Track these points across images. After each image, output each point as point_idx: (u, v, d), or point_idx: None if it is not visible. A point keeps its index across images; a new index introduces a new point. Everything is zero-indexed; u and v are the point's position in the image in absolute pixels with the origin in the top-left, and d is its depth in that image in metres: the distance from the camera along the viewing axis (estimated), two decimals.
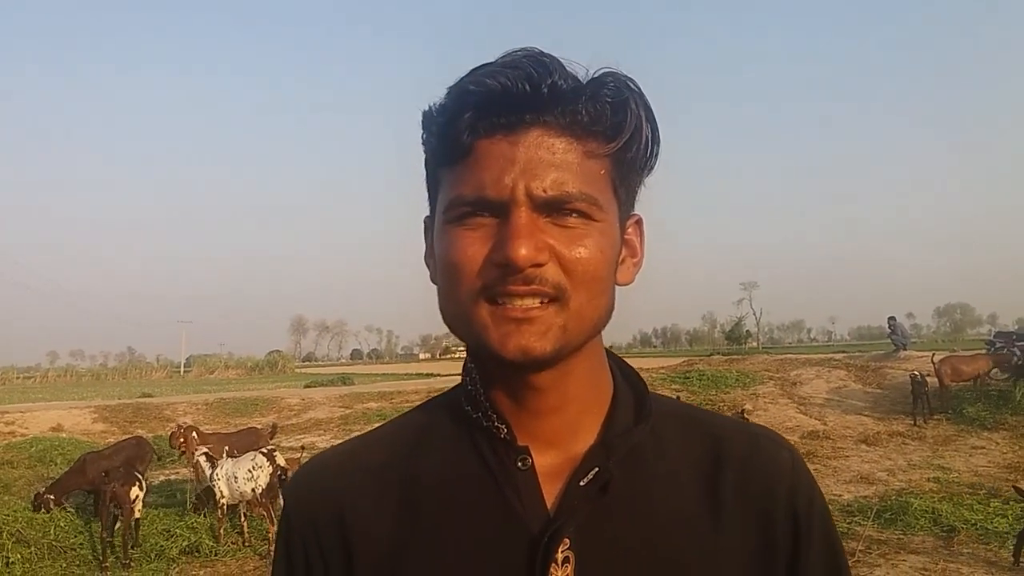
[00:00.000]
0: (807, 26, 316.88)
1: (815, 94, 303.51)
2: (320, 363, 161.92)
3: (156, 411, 21.66)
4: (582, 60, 0.77)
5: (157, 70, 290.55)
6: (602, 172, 0.77)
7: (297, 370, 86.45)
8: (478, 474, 0.80)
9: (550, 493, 0.78)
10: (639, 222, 0.87)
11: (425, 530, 0.79)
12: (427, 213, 0.86)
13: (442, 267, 0.78)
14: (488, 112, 0.74)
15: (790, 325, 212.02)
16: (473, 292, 0.75)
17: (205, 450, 9.49)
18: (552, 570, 0.74)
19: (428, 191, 0.84)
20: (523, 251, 0.71)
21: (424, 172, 0.84)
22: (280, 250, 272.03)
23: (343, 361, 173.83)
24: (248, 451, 10.53)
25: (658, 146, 0.80)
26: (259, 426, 14.06)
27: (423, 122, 0.80)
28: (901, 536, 7.87)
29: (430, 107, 0.79)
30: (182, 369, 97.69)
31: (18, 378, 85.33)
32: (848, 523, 8.31)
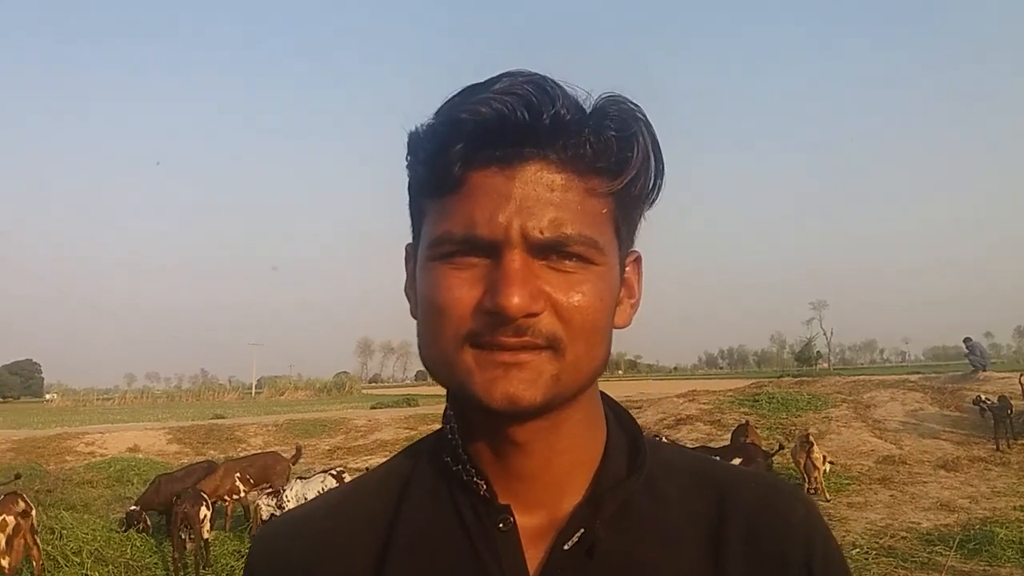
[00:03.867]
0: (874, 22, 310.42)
1: (890, 112, 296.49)
2: (386, 384, 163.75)
3: (228, 432, 22.19)
4: (585, 79, 0.70)
5: (241, 81, 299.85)
6: (604, 211, 0.70)
7: (363, 391, 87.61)
8: (455, 534, 0.72)
9: (533, 557, 0.71)
10: (638, 260, 0.79)
11: None
12: (408, 240, 0.79)
13: (424, 307, 0.71)
14: (483, 143, 0.66)
15: (862, 345, 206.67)
16: (458, 337, 0.67)
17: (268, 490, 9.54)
18: None
19: (411, 219, 0.76)
20: (516, 300, 0.64)
21: (407, 196, 0.76)
22: (347, 271, 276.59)
23: (408, 382, 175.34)
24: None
25: (662, 179, 0.73)
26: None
27: (409, 145, 0.72)
28: (987, 568, 7.51)
29: (417, 129, 0.71)
30: (253, 391, 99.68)
31: (97, 400, 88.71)
32: (928, 553, 7.99)
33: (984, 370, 19.52)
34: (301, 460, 17.83)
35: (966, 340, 20.50)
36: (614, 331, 0.74)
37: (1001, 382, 17.45)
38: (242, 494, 10.17)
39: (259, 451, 14.07)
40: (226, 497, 9.89)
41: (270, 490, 9.39)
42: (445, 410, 0.79)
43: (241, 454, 15.44)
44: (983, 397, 13.90)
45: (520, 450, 0.72)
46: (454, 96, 0.69)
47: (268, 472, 10.72)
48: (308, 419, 24.79)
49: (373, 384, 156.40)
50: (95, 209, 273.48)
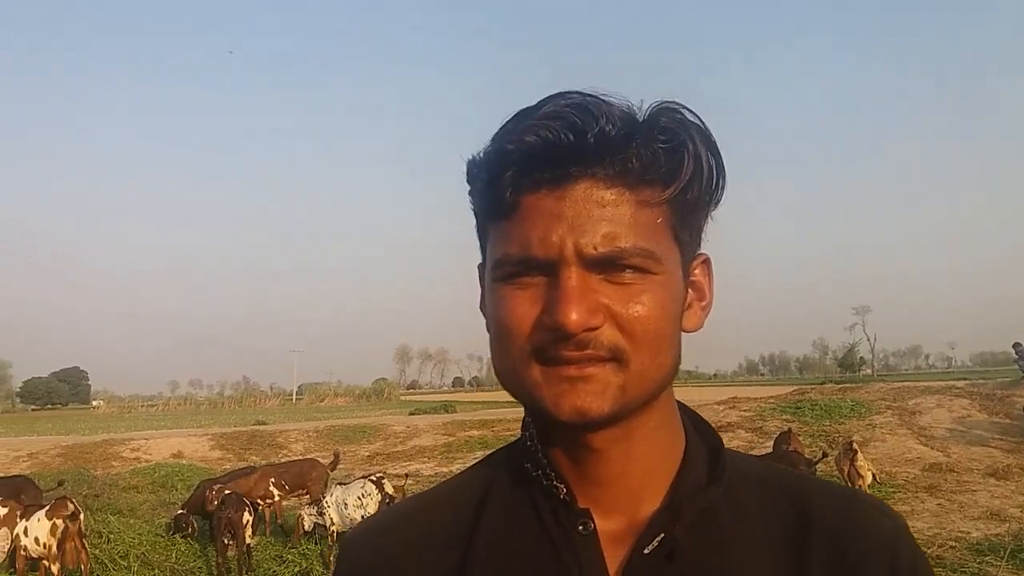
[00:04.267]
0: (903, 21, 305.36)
1: (932, 110, 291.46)
2: (423, 390, 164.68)
3: (270, 438, 22.46)
4: (639, 90, 0.72)
5: (283, 85, 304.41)
6: (659, 220, 0.71)
7: (402, 398, 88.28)
8: (537, 538, 0.74)
9: (613, 560, 0.72)
10: (706, 262, 0.80)
11: None
12: (480, 260, 0.81)
13: (493, 325, 0.74)
14: (531, 169, 0.69)
15: (907, 351, 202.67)
16: (524, 353, 0.70)
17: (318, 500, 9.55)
18: None
19: (479, 239, 0.79)
20: (574, 316, 0.66)
21: (475, 220, 0.79)
22: (385, 278, 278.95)
23: (445, 389, 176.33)
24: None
25: (723, 179, 0.74)
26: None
27: (467, 175, 0.75)
28: None
29: (474, 157, 0.74)
30: (294, 397, 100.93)
31: (142, 406, 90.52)
32: (978, 563, 7.80)
33: None
34: (341, 466, 18.05)
35: (1015, 345, 20.10)
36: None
37: None
38: (276, 499, 10.24)
39: (299, 457, 14.20)
40: (259, 501, 10.00)
41: (310, 500, 9.49)
42: (524, 418, 0.81)
43: (282, 460, 15.62)
44: None
45: (597, 456, 0.74)
46: (506, 123, 0.72)
47: (304, 478, 10.84)
48: (348, 425, 24.98)
49: (411, 390, 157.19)
50: (141, 221, 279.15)
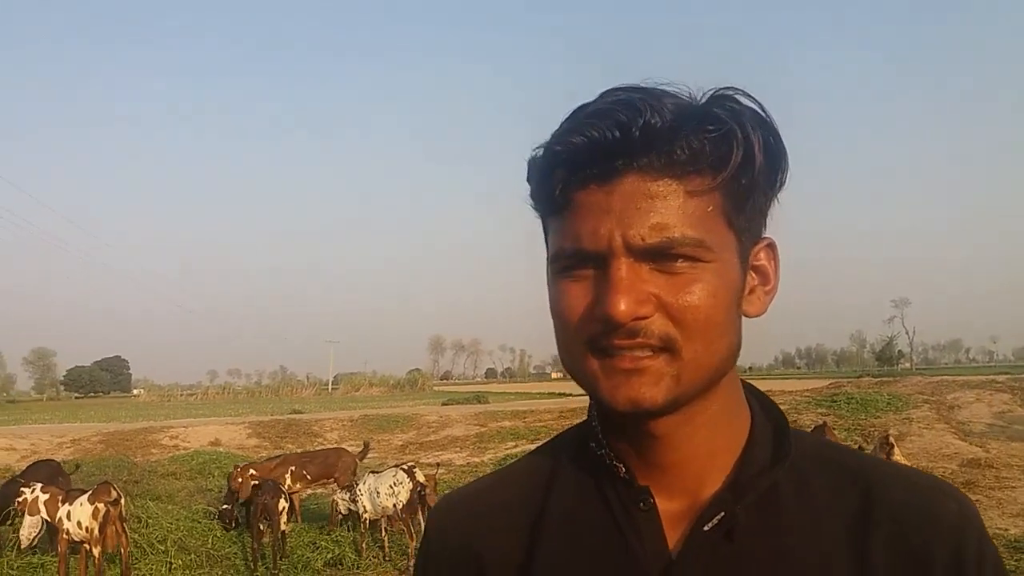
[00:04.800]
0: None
1: (972, 99, 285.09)
2: (456, 381, 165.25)
3: (305, 427, 22.76)
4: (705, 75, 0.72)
5: (322, 76, 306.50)
6: (710, 209, 0.71)
7: (435, 388, 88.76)
8: (601, 514, 0.78)
9: (673, 537, 0.74)
10: (771, 246, 0.79)
11: (548, 567, 0.78)
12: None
13: (553, 316, 0.76)
14: (578, 166, 0.71)
15: (947, 345, 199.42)
16: (581, 343, 0.73)
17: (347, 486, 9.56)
18: None
19: (544, 236, 0.82)
20: (622, 306, 0.68)
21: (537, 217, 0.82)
22: (420, 269, 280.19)
23: (478, 379, 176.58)
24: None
25: (784, 161, 0.74)
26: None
27: (527, 173, 0.78)
28: None
29: (531, 158, 0.77)
30: (330, 386, 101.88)
31: (181, 395, 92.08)
32: (1016, 561, 7.68)
33: None
34: (374, 454, 18.21)
35: None
36: (751, 319, 0.77)
37: None
38: (296, 489, 10.08)
39: (333, 446, 14.26)
40: None
41: (338, 487, 9.55)
42: (590, 401, 0.83)
43: (317, 448, 15.78)
44: None
45: (658, 442, 0.76)
46: (562, 122, 0.74)
47: (330, 468, 10.79)
48: (382, 415, 25.22)
49: (444, 381, 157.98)
50: (184, 213, 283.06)
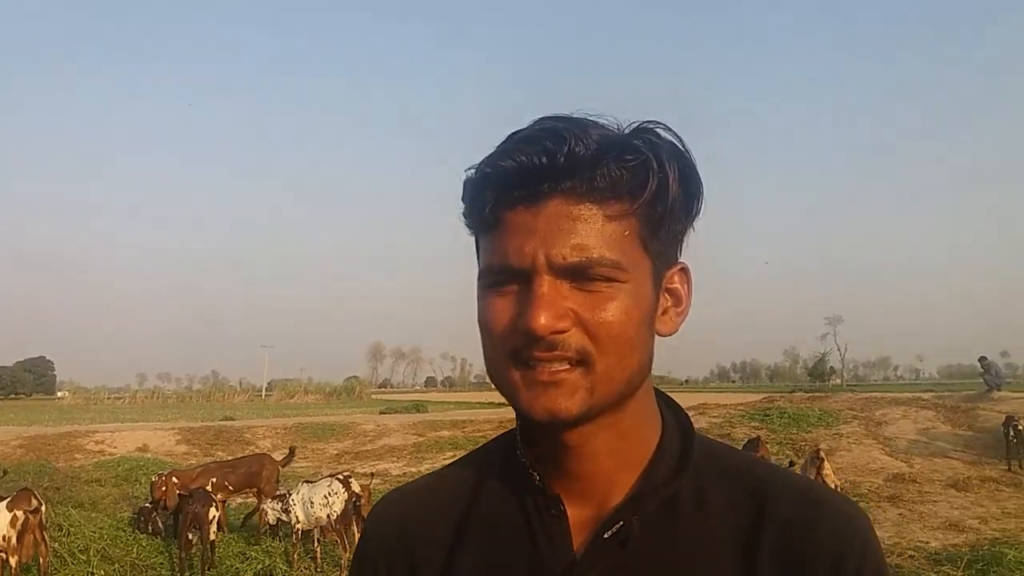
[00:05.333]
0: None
1: (904, 121, 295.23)
2: (395, 389, 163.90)
3: (237, 434, 22.27)
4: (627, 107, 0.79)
5: (236, 76, 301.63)
6: (626, 233, 0.77)
7: (373, 396, 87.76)
8: (519, 516, 0.85)
9: (578, 542, 0.81)
10: (684, 270, 0.86)
11: (467, 563, 0.85)
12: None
13: (480, 328, 0.81)
14: (507, 188, 0.77)
15: (876, 362, 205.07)
16: (504, 355, 0.78)
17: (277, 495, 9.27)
18: None
19: (476, 251, 0.87)
20: (542, 320, 0.73)
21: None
22: (360, 275, 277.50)
23: (417, 388, 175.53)
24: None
25: (698, 192, 0.81)
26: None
27: (462, 193, 0.83)
28: None
29: (467, 177, 0.82)
30: (263, 393, 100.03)
31: (108, 398, 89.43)
32: (936, 572, 7.92)
33: (999, 389, 19.39)
34: (306, 463, 17.94)
35: (981, 359, 20.39)
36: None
37: (1016, 402, 17.31)
38: (218, 499, 9.43)
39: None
40: None
41: (262, 497, 9.28)
42: None
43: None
44: (1016, 420, 13.74)
45: (571, 452, 0.82)
46: (498, 145, 0.79)
47: (253, 477, 10.39)
48: (317, 423, 24.84)
49: (383, 389, 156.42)
50: (115, 213, 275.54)
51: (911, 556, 8.61)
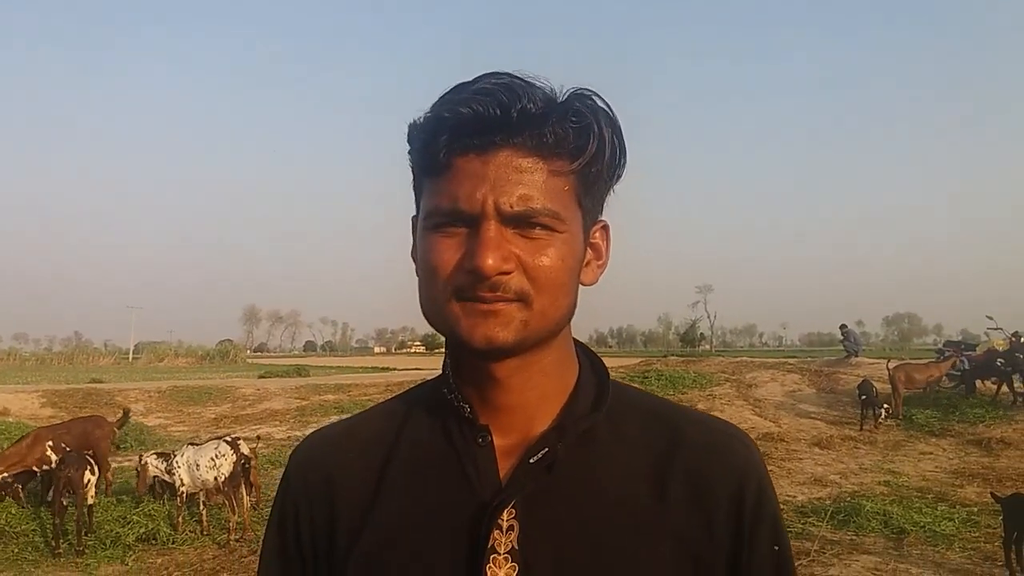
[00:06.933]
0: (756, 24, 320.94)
1: (774, 101, 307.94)
2: (273, 354, 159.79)
3: (107, 397, 21.21)
4: (561, 75, 0.86)
5: (122, 46, 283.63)
6: (566, 188, 0.84)
7: (249, 360, 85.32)
8: (444, 447, 0.90)
9: (504, 468, 0.87)
10: (605, 228, 0.94)
11: (393, 492, 0.89)
12: (413, 213, 0.93)
13: (422, 268, 0.87)
14: (462, 135, 0.81)
15: (743, 329, 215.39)
16: (447, 292, 0.83)
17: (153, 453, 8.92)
18: (496, 535, 0.83)
19: (414, 194, 0.92)
20: (490, 261, 0.79)
21: (411, 176, 0.91)
22: (234, 237, 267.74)
23: (296, 352, 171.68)
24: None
25: (624, 158, 0.88)
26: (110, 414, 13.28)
27: (408, 136, 0.88)
28: (854, 537, 8.03)
29: (414, 122, 0.86)
30: (131, 356, 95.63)
31: None
32: (803, 524, 8.46)
33: (856, 355, 20.71)
34: (184, 428, 17.34)
35: (842, 327, 21.63)
36: (584, 289, 0.91)
37: (871, 367, 18.57)
38: (53, 464, 8.80)
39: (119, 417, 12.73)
40: (35, 468, 9.05)
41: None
42: (444, 356, 0.96)
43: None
44: (873, 386, 14.84)
45: (499, 384, 0.89)
46: (445, 94, 0.84)
47: (88, 438, 9.81)
48: (193, 386, 24.02)
49: (259, 353, 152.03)
50: None
51: (780, 509, 9.10)
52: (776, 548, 0.88)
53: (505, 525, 0.83)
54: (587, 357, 0.98)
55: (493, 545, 0.83)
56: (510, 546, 0.83)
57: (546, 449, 0.85)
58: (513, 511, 0.84)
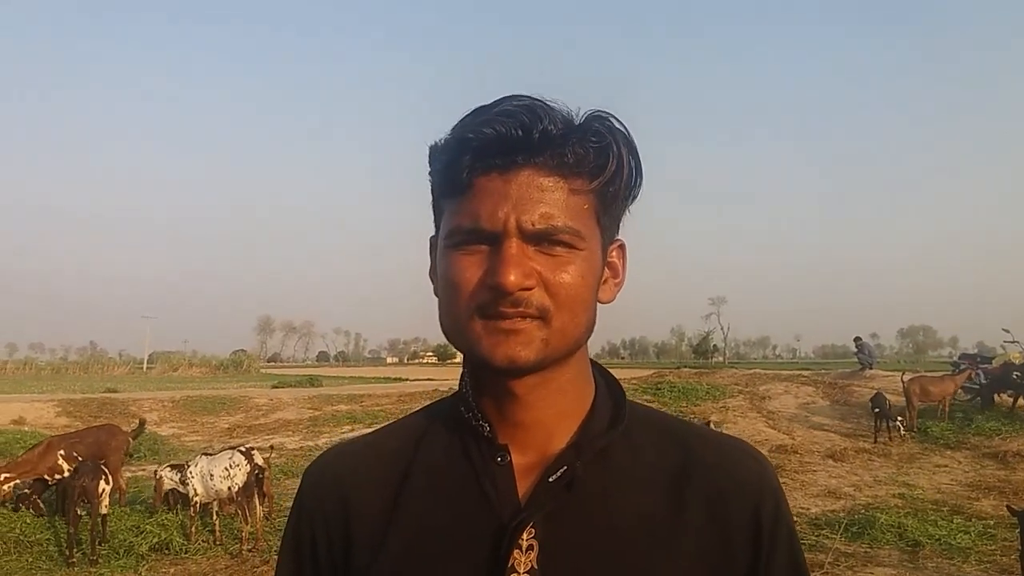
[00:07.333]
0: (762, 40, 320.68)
1: (790, 117, 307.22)
2: (286, 364, 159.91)
3: (122, 407, 21.30)
4: (579, 98, 0.89)
5: (131, 63, 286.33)
6: (586, 207, 0.86)
7: (262, 370, 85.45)
8: (463, 466, 0.90)
9: (523, 486, 0.87)
10: (622, 247, 0.96)
11: (411, 512, 0.89)
12: (432, 233, 0.95)
13: (443, 286, 0.88)
14: (485, 155, 0.83)
15: (756, 341, 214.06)
16: (469, 310, 0.84)
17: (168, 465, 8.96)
18: (516, 555, 0.83)
19: (434, 214, 0.93)
20: (512, 277, 0.80)
21: (431, 197, 0.93)
22: (249, 248, 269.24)
23: (309, 363, 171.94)
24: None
25: (640, 178, 0.90)
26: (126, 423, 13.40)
27: (429, 157, 0.89)
28: (868, 549, 7.98)
29: (435, 143, 0.88)
30: (145, 365, 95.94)
31: None
32: (816, 536, 8.42)
33: (871, 368, 20.58)
34: (198, 437, 17.39)
35: (856, 339, 21.52)
36: (601, 306, 0.92)
37: (885, 380, 18.48)
38: (65, 473, 8.89)
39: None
40: (46, 476, 9.08)
41: (174, 463, 9.03)
42: (462, 373, 0.96)
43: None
44: (886, 398, 14.77)
45: (517, 401, 0.89)
46: (465, 116, 0.86)
47: (102, 448, 9.79)
48: (207, 396, 24.08)
49: (272, 364, 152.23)
50: None
51: (794, 521, 9.08)
52: (793, 564, 0.89)
53: (525, 545, 0.83)
54: (603, 376, 0.99)
55: (513, 565, 0.83)
56: (530, 566, 0.83)
57: (565, 467, 0.86)
58: (533, 530, 0.84)
